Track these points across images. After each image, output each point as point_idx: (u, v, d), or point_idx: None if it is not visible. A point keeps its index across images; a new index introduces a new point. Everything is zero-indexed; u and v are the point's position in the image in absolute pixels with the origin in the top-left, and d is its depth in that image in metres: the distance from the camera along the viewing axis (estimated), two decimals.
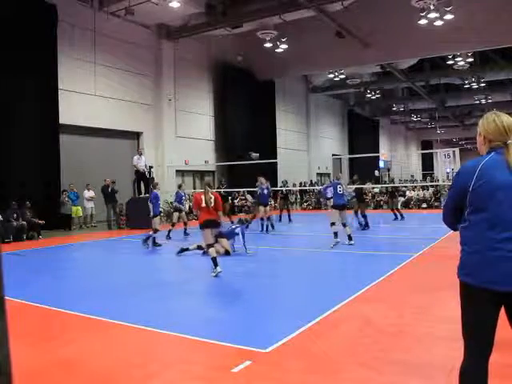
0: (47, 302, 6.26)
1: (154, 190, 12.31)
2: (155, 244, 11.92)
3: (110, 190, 17.04)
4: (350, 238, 11.23)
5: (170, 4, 18.02)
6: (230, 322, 5.31)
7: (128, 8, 17.87)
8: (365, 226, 14.47)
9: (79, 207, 17.53)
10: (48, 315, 5.77)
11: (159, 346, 4.57)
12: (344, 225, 11.29)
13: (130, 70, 20.32)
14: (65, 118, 17.19)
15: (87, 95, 18.62)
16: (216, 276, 7.75)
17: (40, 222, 14.68)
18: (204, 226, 7.96)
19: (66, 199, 16.73)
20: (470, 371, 2.48)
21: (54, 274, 8.77)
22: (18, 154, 15.51)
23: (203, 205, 7.90)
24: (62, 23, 17.13)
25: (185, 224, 14.36)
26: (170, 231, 13.73)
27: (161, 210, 13.33)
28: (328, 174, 36.39)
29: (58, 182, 16.89)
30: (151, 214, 11.91)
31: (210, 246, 7.95)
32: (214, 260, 7.81)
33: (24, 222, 14.15)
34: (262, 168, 21.75)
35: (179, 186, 15.05)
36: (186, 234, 14.19)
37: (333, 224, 11.34)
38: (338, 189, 11.36)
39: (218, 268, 7.78)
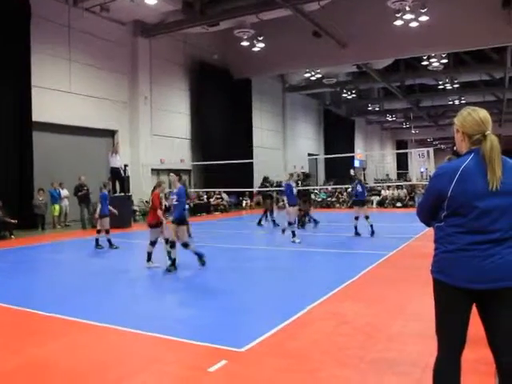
0: (19, 303, 6.13)
1: (104, 190, 11.96)
2: (98, 246, 11.57)
3: (83, 190, 16.69)
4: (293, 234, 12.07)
5: (146, 1, 17.82)
6: (204, 320, 5.27)
7: (103, 4, 17.64)
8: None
9: (57, 206, 17.16)
10: (19, 316, 5.65)
11: (133, 347, 4.52)
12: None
13: (105, 67, 20.02)
14: (38, 115, 16.82)
15: (62, 92, 18.27)
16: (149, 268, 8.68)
17: (12, 221, 14.37)
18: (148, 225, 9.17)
19: (40, 199, 16.30)
20: (444, 367, 2.52)
21: (26, 275, 8.59)
22: None
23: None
24: (36, 18, 16.76)
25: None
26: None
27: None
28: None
29: (31, 181, 16.53)
30: (97, 214, 11.74)
31: (152, 242, 8.89)
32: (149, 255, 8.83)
33: None
34: (239, 167, 21.80)
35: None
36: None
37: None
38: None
39: (150, 263, 8.74)
